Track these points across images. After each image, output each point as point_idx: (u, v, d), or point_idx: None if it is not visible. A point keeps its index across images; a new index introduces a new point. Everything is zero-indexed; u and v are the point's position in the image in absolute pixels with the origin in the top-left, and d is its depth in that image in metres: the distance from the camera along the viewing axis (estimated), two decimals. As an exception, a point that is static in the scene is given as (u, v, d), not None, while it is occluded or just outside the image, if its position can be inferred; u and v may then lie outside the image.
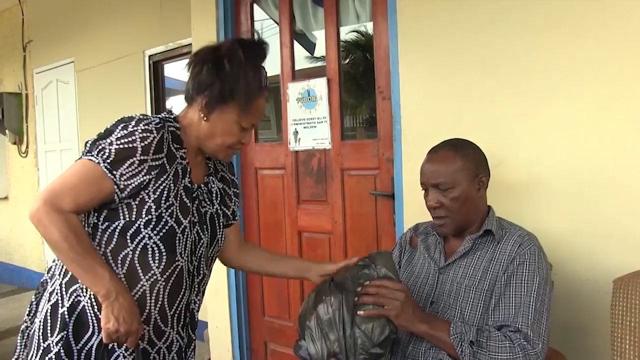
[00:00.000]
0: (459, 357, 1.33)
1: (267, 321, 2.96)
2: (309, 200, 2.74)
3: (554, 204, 1.85)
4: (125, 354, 1.31)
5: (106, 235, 1.29)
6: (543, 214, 1.87)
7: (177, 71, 4.34)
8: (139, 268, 1.30)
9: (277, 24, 2.88)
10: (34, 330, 1.34)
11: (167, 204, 1.30)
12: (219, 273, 2.97)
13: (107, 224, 1.29)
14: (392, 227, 2.37)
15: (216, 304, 3.03)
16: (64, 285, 1.31)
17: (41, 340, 1.30)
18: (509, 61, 1.93)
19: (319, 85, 2.61)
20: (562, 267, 1.81)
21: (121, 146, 1.25)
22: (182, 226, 1.33)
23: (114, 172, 1.24)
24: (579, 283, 1.80)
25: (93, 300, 1.28)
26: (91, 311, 1.29)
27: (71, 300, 1.29)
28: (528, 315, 1.35)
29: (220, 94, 1.32)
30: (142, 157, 1.26)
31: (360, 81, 3.16)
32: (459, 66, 2.07)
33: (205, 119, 1.35)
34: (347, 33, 2.84)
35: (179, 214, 1.32)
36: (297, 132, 2.73)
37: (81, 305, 1.29)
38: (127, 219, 1.28)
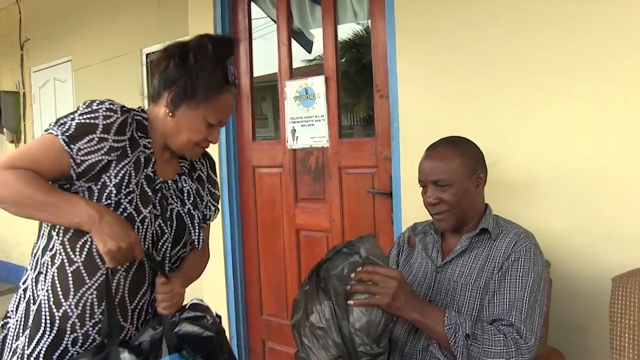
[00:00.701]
0: (451, 348, 1.32)
1: (264, 320, 2.96)
2: (306, 199, 2.74)
3: (552, 202, 1.85)
4: (80, 351, 1.26)
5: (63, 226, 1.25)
6: (541, 212, 1.86)
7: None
8: (96, 256, 1.25)
9: (275, 22, 2.87)
10: (8, 331, 1.30)
11: (127, 190, 1.25)
12: (217, 271, 2.97)
13: None
14: (390, 226, 2.36)
15: (214, 302, 3.01)
16: (34, 280, 1.28)
17: (13, 342, 1.26)
18: (507, 59, 1.93)
19: (317, 84, 2.60)
20: (561, 266, 1.81)
21: (82, 121, 1.21)
22: (142, 216, 1.28)
23: (72, 146, 1.20)
24: (578, 282, 1.80)
25: (50, 291, 1.24)
26: (46, 305, 1.24)
27: (37, 293, 1.26)
28: (521, 310, 1.36)
29: (185, 89, 1.29)
30: (102, 135, 1.22)
31: (358, 79, 3.16)
32: (457, 64, 2.06)
33: (170, 114, 1.32)
34: (350, 24, 2.83)
35: (138, 202, 1.27)
36: (294, 130, 2.72)
37: (39, 300, 1.25)
38: None
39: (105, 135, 1.22)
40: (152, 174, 1.32)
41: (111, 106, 1.25)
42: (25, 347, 1.22)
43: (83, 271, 1.24)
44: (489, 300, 1.41)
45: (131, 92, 4.26)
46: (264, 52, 2.95)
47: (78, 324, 1.25)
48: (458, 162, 1.49)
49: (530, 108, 1.88)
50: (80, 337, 1.25)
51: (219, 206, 1.60)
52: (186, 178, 1.44)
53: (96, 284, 1.25)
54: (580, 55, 1.77)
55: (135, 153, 1.28)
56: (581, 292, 1.80)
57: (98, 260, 1.24)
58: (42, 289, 1.24)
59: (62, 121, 1.23)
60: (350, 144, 2.55)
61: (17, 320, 1.28)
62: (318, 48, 2.78)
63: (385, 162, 2.38)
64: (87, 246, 1.24)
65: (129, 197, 1.26)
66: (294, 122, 2.72)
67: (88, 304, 1.25)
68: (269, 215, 2.91)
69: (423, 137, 1.75)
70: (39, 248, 1.29)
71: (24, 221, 5.28)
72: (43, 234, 1.29)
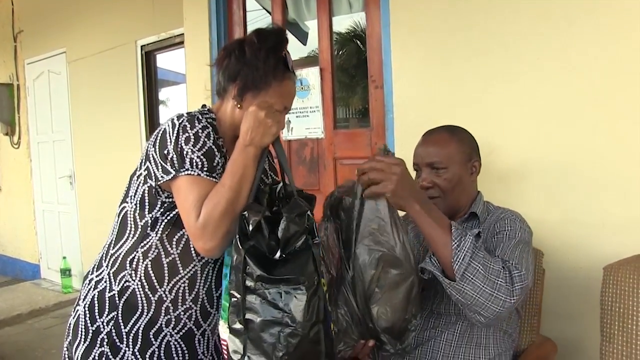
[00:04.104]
0: (451, 252, 1.21)
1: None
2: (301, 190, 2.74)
3: (546, 193, 1.86)
4: (172, 333, 1.36)
5: (164, 223, 1.35)
6: (535, 203, 1.88)
7: (169, 62, 4.32)
8: (193, 249, 1.35)
9: (270, 13, 2.87)
10: (78, 317, 1.38)
11: None
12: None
13: (167, 213, 1.35)
14: (385, 216, 2.37)
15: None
16: (112, 274, 1.37)
17: (89, 324, 1.35)
18: (502, 50, 1.94)
19: (312, 75, 2.61)
20: (554, 256, 1.83)
21: (203, 150, 1.30)
22: None
23: (214, 174, 1.30)
24: (571, 271, 1.82)
25: (144, 281, 1.34)
26: (141, 292, 1.34)
27: (120, 285, 1.35)
28: (509, 253, 1.31)
29: (247, 79, 1.37)
30: (216, 150, 1.33)
31: (354, 72, 3.16)
32: (452, 55, 2.07)
33: (239, 106, 1.39)
34: (347, 16, 2.83)
35: None
36: (289, 121, 2.72)
37: (130, 290, 1.34)
38: None
39: (215, 148, 1.32)
40: None
41: (197, 121, 1.32)
42: (122, 326, 1.33)
43: (178, 262, 1.35)
44: None
45: (126, 84, 4.26)
46: (259, 44, 2.94)
47: (171, 307, 1.35)
48: (454, 148, 1.49)
49: (524, 98, 1.89)
50: (173, 320, 1.36)
51: None
52: None
53: (189, 274, 1.36)
54: (574, 46, 1.78)
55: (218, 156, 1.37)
56: (574, 281, 1.82)
57: (193, 253, 1.35)
58: (132, 280, 1.35)
59: (186, 155, 1.28)
60: (345, 135, 2.56)
61: (86, 306, 1.37)
62: (314, 40, 2.78)
63: (380, 153, 2.38)
64: (183, 240, 1.35)
65: None
66: (289, 113, 2.71)
67: (180, 291, 1.36)
68: (264, 207, 2.90)
69: (418, 127, 1.76)
70: (122, 249, 1.38)
71: (20, 216, 5.27)
72: (130, 236, 1.37)
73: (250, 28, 2.99)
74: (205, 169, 1.29)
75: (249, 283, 1.15)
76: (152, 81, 4.24)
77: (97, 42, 4.51)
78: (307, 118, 2.64)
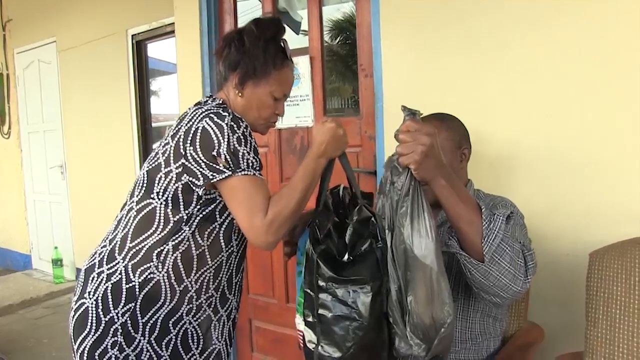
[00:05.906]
0: (482, 230, 1.14)
1: (251, 298, 2.98)
2: (292, 179, 2.74)
3: (534, 181, 1.87)
4: (191, 320, 1.40)
5: (199, 219, 1.39)
6: (523, 190, 1.89)
7: (160, 51, 4.30)
8: (222, 241, 1.42)
9: (260, 1, 2.86)
10: (85, 310, 1.38)
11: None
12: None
13: (203, 209, 1.39)
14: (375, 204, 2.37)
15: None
16: (130, 267, 1.37)
17: (101, 315, 1.36)
18: (492, 38, 1.94)
19: (302, 63, 2.60)
20: (542, 242, 1.84)
21: (253, 148, 1.37)
22: None
23: (261, 172, 1.38)
24: (558, 258, 1.83)
25: (171, 272, 1.37)
26: (167, 283, 1.37)
27: (142, 277, 1.36)
28: (517, 235, 1.30)
29: (247, 68, 1.43)
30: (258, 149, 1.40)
31: (349, 62, 3.15)
32: (441, 43, 2.07)
33: (240, 94, 1.45)
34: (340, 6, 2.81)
35: None
36: (280, 110, 2.71)
37: (154, 281, 1.37)
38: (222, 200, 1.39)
39: (256, 146, 1.40)
40: None
41: (240, 121, 1.37)
42: (139, 317, 1.36)
43: (207, 253, 1.41)
44: None
45: (117, 73, 4.23)
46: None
47: (195, 296, 1.41)
48: (443, 136, 1.49)
49: (514, 87, 1.90)
50: (194, 308, 1.42)
51: None
52: None
53: (215, 264, 1.43)
54: (564, 35, 1.79)
55: None
56: (561, 268, 1.83)
57: (222, 244, 1.42)
58: (159, 272, 1.37)
59: (241, 157, 1.33)
60: (336, 124, 2.55)
61: (99, 298, 1.37)
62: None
63: (370, 142, 2.39)
64: (214, 232, 1.41)
65: None
66: (281, 102, 2.71)
67: (205, 280, 1.42)
68: (255, 196, 2.90)
69: (406, 115, 1.77)
70: (146, 242, 1.39)
71: (10, 206, 5.23)
72: (159, 230, 1.38)
73: (240, 17, 2.98)
74: (258, 168, 1.36)
75: (321, 283, 1.24)
76: (143, 71, 4.21)
77: (87, 31, 4.48)
78: (297, 107, 2.64)
